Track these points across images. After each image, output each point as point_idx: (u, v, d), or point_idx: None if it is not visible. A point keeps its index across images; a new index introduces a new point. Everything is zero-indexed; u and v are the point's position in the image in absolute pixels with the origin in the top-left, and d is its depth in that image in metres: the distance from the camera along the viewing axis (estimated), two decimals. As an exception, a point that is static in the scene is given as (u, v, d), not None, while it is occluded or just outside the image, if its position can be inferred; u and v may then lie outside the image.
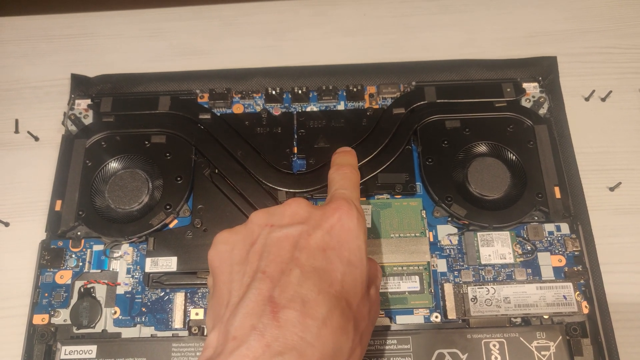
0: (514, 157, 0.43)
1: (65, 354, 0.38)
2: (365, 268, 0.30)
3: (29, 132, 0.48)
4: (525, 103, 0.45)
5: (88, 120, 0.46)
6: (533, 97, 0.45)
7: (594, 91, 0.47)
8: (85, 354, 0.38)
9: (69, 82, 0.49)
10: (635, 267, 0.42)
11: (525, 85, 0.46)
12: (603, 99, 0.48)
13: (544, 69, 0.47)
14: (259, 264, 0.28)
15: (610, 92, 0.47)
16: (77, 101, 0.47)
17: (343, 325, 0.27)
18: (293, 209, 0.31)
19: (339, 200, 0.31)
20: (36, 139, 0.48)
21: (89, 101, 0.47)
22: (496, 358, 0.37)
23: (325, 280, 0.28)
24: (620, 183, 0.44)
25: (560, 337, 0.38)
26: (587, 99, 0.48)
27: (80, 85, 0.49)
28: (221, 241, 0.31)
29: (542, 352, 0.37)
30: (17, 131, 0.48)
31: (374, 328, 0.32)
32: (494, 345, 0.38)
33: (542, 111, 0.45)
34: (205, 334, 0.39)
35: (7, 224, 0.45)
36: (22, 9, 0.54)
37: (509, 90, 0.45)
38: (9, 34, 0.52)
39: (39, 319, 0.40)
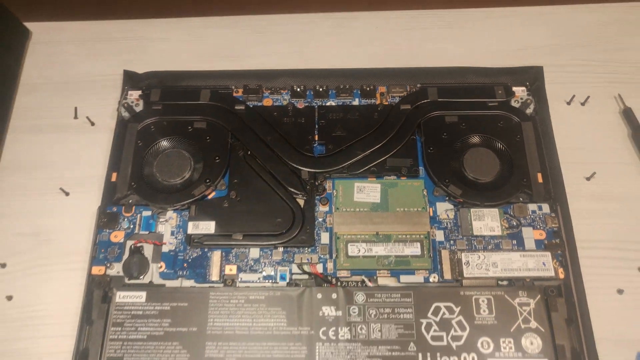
0: (503, 148, 0.51)
1: (120, 298, 0.45)
2: None
3: (87, 118, 0.55)
4: (514, 104, 0.53)
5: (139, 108, 0.54)
6: (521, 98, 0.53)
7: (574, 96, 0.55)
8: (136, 298, 0.45)
9: (121, 77, 0.57)
10: (607, 244, 0.49)
11: (514, 88, 0.53)
12: (582, 103, 0.55)
13: (532, 77, 0.55)
14: None
15: (589, 97, 0.55)
16: (129, 92, 0.55)
17: None
18: None
19: None
20: (92, 124, 0.56)
21: (139, 92, 0.54)
22: (484, 311, 0.44)
23: None
24: (594, 173, 0.51)
25: (539, 295, 0.44)
26: (568, 103, 0.55)
27: (131, 79, 0.57)
28: None
29: (524, 307, 0.44)
30: (76, 117, 0.56)
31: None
32: (483, 301, 0.44)
33: (529, 111, 0.53)
34: (237, 285, 0.46)
35: (67, 194, 0.52)
36: (81, 15, 0.62)
37: (500, 92, 0.53)
38: (70, 36, 0.61)
39: (97, 270, 0.47)
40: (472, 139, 0.51)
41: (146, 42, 0.60)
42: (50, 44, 0.60)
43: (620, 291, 0.47)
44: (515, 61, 0.57)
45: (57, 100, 0.57)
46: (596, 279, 0.47)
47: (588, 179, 0.52)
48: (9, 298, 0.47)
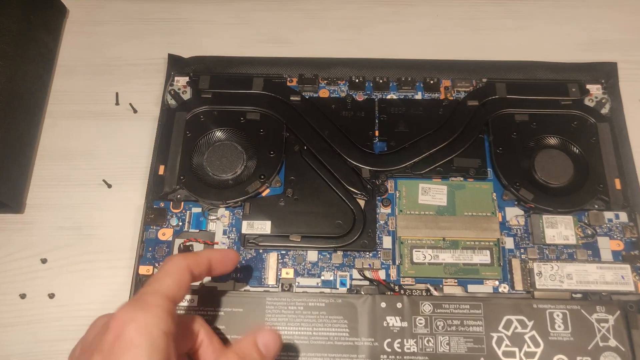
0: (577, 151, 0.47)
1: (170, 301, 0.42)
2: None
3: (130, 105, 0.52)
4: (589, 103, 0.49)
5: (186, 96, 0.50)
6: (596, 97, 0.49)
7: (650, 96, 0.52)
8: (187, 302, 0.42)
9: (165, 61, 0.54)
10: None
11: (588, 86, 0.50)
12: (658, 104, 0.52)
13: (605, 74, 0.51)
14: None
15: (666, 97, 0.51)
16: (176, 78, 0.51)
17: None
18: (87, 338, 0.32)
19: (114, 319, 0.29)
20: (135, 111, 0.52)
21: (187, 79, 0.51)
22: (559, 326, 0.41)
23: None
24: (673, 180, 0.48)
25: (619, 311, 0.41)
26: (643, 103, 0.52)
27: (176, 64, 0.53)
28: None
29: (602, 324, 0.41)
30: (117, 103, 0.53)
31: None
32: (558, 315, 0.42)
33: (604, 111, 0.49)
34: (294, 290, 0.43)
35: (110, 186, 0.49)
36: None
37: (574, 90, 0.50)
38: (111, 16, 0.57)
39: (144, 270, 0.44)
40: (543, 140, 0.48)
41: (191, 25, 0.57)
42: (89, 24, 0.57)
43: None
44: (584, 55, 0.54)
45: (97, 85, 0.54)
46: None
47: (665, 185, 0.48)
48: (51, 296, 0.45)
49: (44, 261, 0.46)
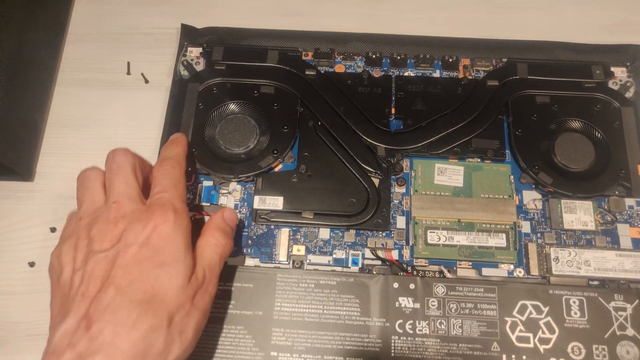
0: (599, 135, 0.46)
1: (180, 274, 0.42)
2: (183, 263, 0.34)
3: (142, 74, 0.51)
4: (612, 86, 0.48)
5: (199, 67, 0.49)
6: (620, 80, 0.48)
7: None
8: (197, 276, 0.41)
9: (177, 31, 0.52)
10: None
11: (613, 69, 0.48)
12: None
13: (630, 57, 0.50)
14: (80, 287, 0.32)
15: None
16: (189, 49, 0.50)
17: (154, 324, 0.31)
18: (112, 219, 0.34)
19: (155, 208, 0.35)
20: (146, 81, 0.51)
21: (200, 49, 0.50)
22: (575, 313, 0.40)
23: (137, 290, 0.32)
24: (696, 168, 0.47)
25: (637, 300, 0.41)
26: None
27: (189, 35, 0.52)
28: (55, 259, 0.35)
29: (620, 312, 0.40)
30: (128, 73, 0.52)
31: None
32: (574, 302, 0.41)
33: (629, 95, 0.48)
34: (305, 267, 0.42)
35: (120, 156, 0.48)
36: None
37: (597, 72, 0.48)
38: (123, -17, 0.56)
39: (154, 242, 0.43)
40: (565, 123, 0.47)
41: (204, -6, 0.55)
42: (101, -9, 0.56)
43: None
44: (609, 37, 0.52)
45: (108, 53, 0.53)
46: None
47: (687, 173, 0.47)
48: (59, 265, 0.44)
49: (53, 230, 0.45)
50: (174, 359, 0.32)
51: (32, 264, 0.44)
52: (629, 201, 0.44)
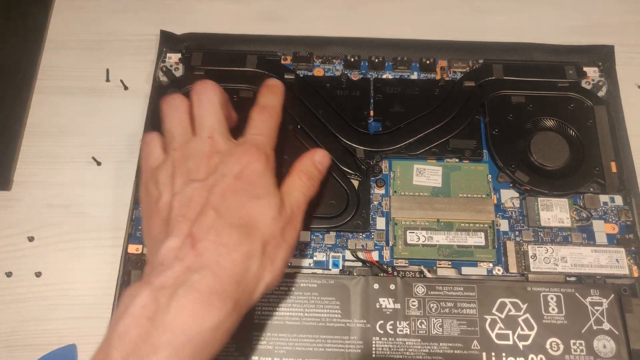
0: (573, 133, 0.47)
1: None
2: (274, 198, 0.35)
3: (121, 81, 0.51)
4: (585, 85, 0.49)
5: (178, 73, 0.49)
6: (593, 80, 0.49)
7: (647, 79, 0.51)
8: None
9: (157, 37, 0.52)
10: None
11: (585, 69, 0.49)
12: (655, 88, 0.51)
13: (602, 57, 0.51)
14: (180, 209, 0.34)
15: (663, 81, 0.51)
16: (168, 55, 0.50)
17: (251, 249, 0.33)
18: (207, 152, 0.36)
19: (250, 146, 0.36)
20: (125, 88, 0.51)
21: (179, 55, 0.50)
22: (553, 309, 0.41)
23: (235, 216, 0.33)
24: (668, 164, 0.48)
25: (613, 295, 0.41)
26: (640, 87, 0.51)
27: (168, 41, 0.52)
28: (152, 185, 0.36)
29: (596, 307, 0.41)
30: (107, 80, 0.52)
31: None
32: (552, 298, 0.41)
33: (601, 94, 0.49)
34: (286, 271, 0.43)
35: (99, 163, 0.48)
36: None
37: (571, 72, 0.49)
38: (101, -11, 0.56)
39: (134, 249, 0.43)
40: (540, 122, 0.47)
41: (183, 1, 0.56)
42: (79, -2, 0.56)
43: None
44: (582, 38, 0.53)
45: (87, 60, 0.53)
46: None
47: (661, 170, 0.48)
48: (38, 274, 0.44)
49: (31, 239, 0.45)
50: (265, 285, 0.34)
51: (9, 274, 0.44)
52: (604, 198, 0.45)
